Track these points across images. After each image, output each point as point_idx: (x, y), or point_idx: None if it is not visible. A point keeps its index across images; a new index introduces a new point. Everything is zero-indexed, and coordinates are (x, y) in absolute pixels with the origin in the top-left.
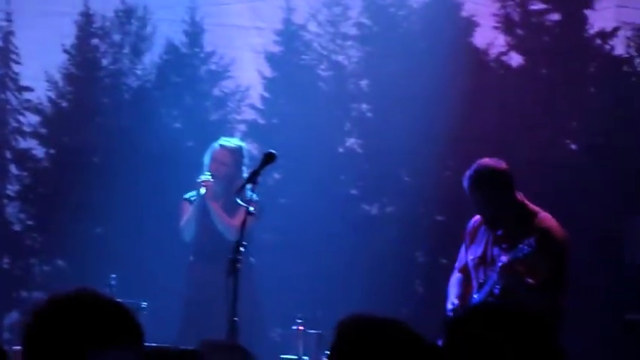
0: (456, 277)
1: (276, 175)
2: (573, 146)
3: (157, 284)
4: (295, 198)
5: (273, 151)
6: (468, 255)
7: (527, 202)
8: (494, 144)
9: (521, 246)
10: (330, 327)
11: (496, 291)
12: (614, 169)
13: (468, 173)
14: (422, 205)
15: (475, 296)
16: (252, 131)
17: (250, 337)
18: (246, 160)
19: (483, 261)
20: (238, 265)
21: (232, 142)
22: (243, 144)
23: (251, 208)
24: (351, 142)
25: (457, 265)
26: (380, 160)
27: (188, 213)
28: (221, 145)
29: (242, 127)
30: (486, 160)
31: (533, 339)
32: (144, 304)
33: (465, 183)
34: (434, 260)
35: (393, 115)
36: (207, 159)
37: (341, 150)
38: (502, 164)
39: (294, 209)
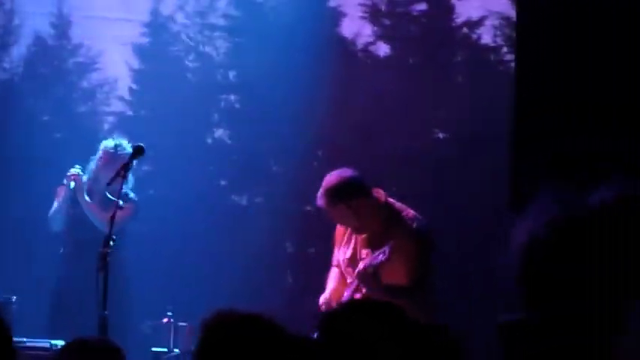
0: (333, 271)
1: (145, 168)
2: (441, 135)
3: (26, 278)
4: (164, 190)
5: (142, 145)
6: (339, 255)
7: (390, 200)
8: (362, 134)
9: (376, 254)
10: (200, 319)
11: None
12: (483, 158)
13: (318, 194)
14: (291, 195)
15: (346, 293)
16: (121, 123)
17: (120, 331)
18: (127, 157)
19: (353, 262)
20: (108, 259)
21: (111, 142)
22: (122, 141)
23: (121, 202)
24: (219, 132)
25: (333, 260)
26: (249, 150)
27: (57, 203)
28: (104, 148)
29: (111, 119)
30: (331, 176)
31: (402, 334)
32: (13, 299)
33: (319, 203)
34: (303, 250)
35: (261, 106)
36: (92, 162)
37: (209, 141)
38: (347, 173)
39: (163, 201)
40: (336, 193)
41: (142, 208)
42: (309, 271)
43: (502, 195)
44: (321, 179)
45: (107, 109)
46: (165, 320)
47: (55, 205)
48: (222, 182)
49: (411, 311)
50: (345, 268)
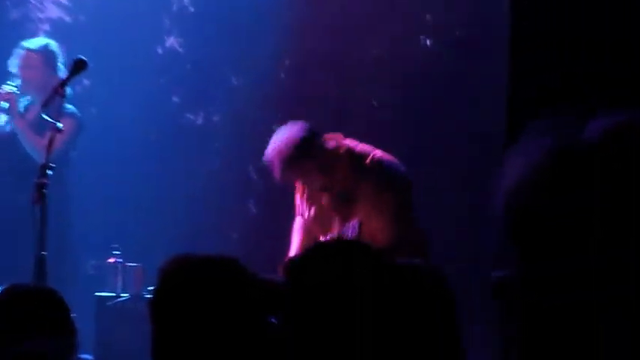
0: (297, 222)
1: (86, 82)
2: (428, 42)
3: None
4: (108, 107)
5: (83, 57)
6: (303, 207)
7: (349, 144)
8: (341, 37)
9: (346, 229)
10: (153, 260)
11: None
12: (477, 65)
13: (269, 157)
14: (254, 112)
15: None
16: (58, 31)
17: (60, 272)
18: (60, 60)
19: (322, 222)
20: (45, 191)
21: (38, 42)
22: (51, 41)
23: (59, 125)
24: (171, 41)
25: (297, 209)
26: (205, 62)
27: None
28: (27, 48)
29: (46, 26)
30: (280, 133)
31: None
32: None
33: (275, 169)
34: (269, 178)
35: (219, 9)
36: (12, 67)
37: (160, 51)
38: (297, 126)
39: (106, 120)
40: (294, 149)
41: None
42: (275, 201)
43: (500, 103)
44: (288, 92)
45: (41, 15)
46: (111, 260)
47: None
48: (175, 99)
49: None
50: (312, 226)
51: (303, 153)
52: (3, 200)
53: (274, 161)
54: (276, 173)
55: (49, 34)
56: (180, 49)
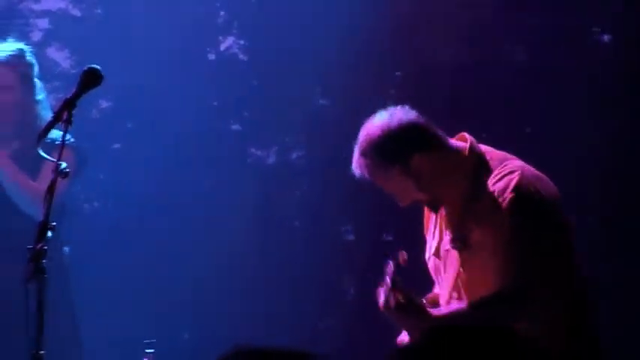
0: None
1: (104, 104)
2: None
3: None
4: (136, 139)
5: (96, 67)
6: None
7: (481, 148)
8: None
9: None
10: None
11: None
12: None
13: (355, 155)
14: (351, 145)
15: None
16: (61, 29)
17: None
18: (36, 73)
19: (438, 256)
20: (44, 262)
21: (7, 48)
22: (24, 46)
23: (63, 164)
24: (228, 43)
25: (426, 253)
26: (277, 73)
27: None
28: None
29: (43, 22)
30: (372, 123)
31: None
32: None
33: (359, 170)
34: (372, 237)
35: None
36: None
37: (212, 57)
38: (398, 115)
39: (133, 158)
40: (382, 149)
41: (100, 174)
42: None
43: None
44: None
45: (35, 5)
46: None
47: None
48: (234, 126)
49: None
50: (431, 269)
51: (404, 145)
52: None
53: (362, 154)
54: (360, 170)
55: (47, 34)
56: (242, 56)
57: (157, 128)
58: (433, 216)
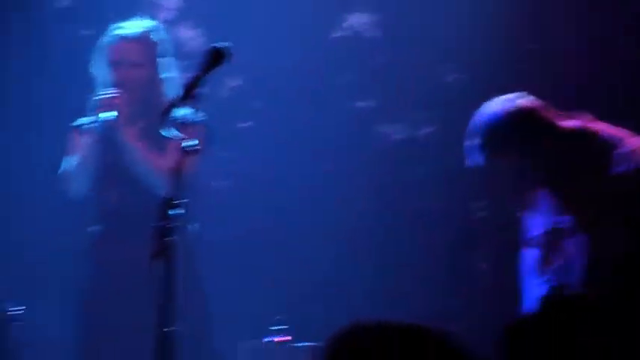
0: (530, 254)
1: (235, 82)
2: None
3: (35, 276)
4: (264, 118)
5: (223, 45)
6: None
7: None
8: None
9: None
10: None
11: None
12: None
13: (477, 141)
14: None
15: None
16: (191, 7)
17: (196, 356)
18: (167, 50)
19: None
20: (171, 239)
21: (138, 26)
22: (155, 24)
23: (191, 142)
24: (352, 20)
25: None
26: (405, 50)
27: (80, 153)
28: (122, 37)
29: (174, 1)
30: (492, 108)
31: None
32: (20, 310)
33: (478, 158)
34: (507, 213)
35: None
36: (100, 63)
37: (337, 34)
38: (523, 103)
39: (265, 138)
40: (503, 138)
41: (232, 152)
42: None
43: None
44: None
45: None
46: (273, 339)
47: (72, 159)
48: (360, 104)
49: None
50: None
51: (529, 131)
52: (108, 259)
53: (488, 140)
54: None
55: (179, 13)
56: (368, 33)
57: (284, 107)
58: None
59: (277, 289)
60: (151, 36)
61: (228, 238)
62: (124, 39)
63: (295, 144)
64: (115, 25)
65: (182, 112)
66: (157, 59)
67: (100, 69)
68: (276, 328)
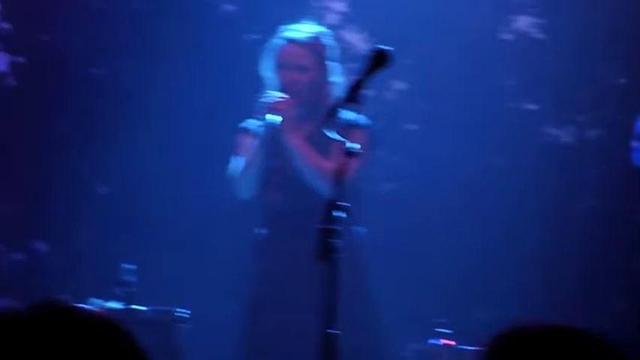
0: None
1: (398, 85)
2: None
3: (201, 279)
4: (433, 122)
5: (385, 48)
6: None
7: None
8: None
9: None
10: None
11: None
12: None
13: None
14: None
15: None
16: (357, 10)
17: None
18: (334, 54)
19: None
20: (336, 242)
21: (306, 30)
22: (322, 28)
23: (354, 145)
24: (523, 21)
25: None
26: (576, 51)
27: (247, 155)
28: (290, 40)
29: (340, 5)
30: None
31: None
32: (185, 314)
33: None
34: None
35: None
36: (268, 65)
37: (507, 36)
38: None
39: (432, 140)
40: None
41: (396, 156)
42: None
43: None
44: None
45: None
46: (439, 341)
47: (239, 160)
48: (531, 106)
49: None
50: None
51: None
52: (274, 260)
53: None
54: None
55: (344, 17)
56: (539, 35)
57: (451, 109)
58: None
59: (442, 292)
60: (320, 41)
61: (394, 241)
62: (293, 42)
63: (461, 146)
64: (285, 28)
65: (346, 114)
66: (325, 63)
67: (267, 71)
68: (440, 330)
